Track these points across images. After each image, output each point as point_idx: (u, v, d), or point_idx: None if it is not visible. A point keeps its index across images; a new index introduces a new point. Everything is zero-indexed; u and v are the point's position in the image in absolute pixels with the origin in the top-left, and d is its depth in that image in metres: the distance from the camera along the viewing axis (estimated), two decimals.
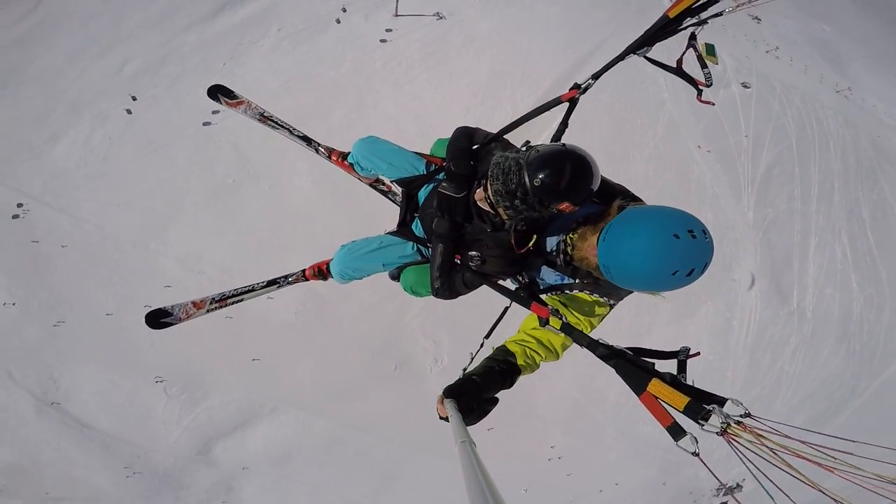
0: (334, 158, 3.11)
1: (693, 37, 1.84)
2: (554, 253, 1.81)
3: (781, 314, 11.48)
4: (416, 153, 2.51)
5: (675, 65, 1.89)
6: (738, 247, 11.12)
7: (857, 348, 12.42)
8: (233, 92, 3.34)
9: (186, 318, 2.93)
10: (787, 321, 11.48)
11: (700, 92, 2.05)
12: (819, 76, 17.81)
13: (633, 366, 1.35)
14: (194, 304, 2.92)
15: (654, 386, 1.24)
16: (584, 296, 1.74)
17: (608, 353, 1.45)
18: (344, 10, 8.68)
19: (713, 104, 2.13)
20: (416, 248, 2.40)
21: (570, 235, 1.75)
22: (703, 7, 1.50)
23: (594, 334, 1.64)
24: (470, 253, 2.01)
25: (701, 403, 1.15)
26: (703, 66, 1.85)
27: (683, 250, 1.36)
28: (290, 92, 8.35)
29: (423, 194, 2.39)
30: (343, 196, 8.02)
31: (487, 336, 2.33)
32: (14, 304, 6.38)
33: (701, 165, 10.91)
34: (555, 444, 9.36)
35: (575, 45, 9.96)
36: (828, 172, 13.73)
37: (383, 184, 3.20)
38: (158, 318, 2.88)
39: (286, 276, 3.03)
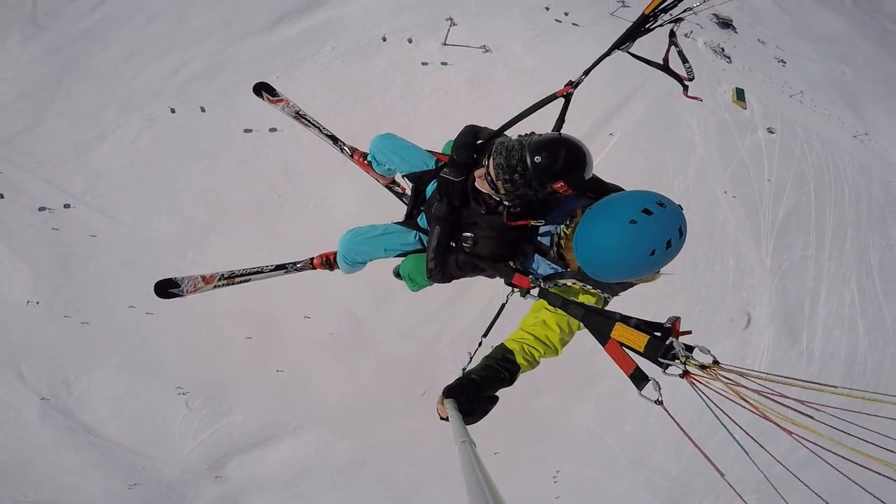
0: (356, 158, 3.34)
1: (672, 34, 1.94)
2: (547, 244, 1.90)
3: (791, 354, 11.91)
4: (429, 151, 2.66)
5: (661, 62, 1.98)
6: (754, 291, 11.44)
7: (861, 385, 12.99)
8: (275, 90, 3.62)
9: (193, 292, 2.99)
10: (796, 360, 11.90)
11: (686, 87, 2.14)
12: (839, 121, 18.21)
13: (600, 315, 1.35)
14: (203, 278, 2.98)
15: (618, 330, 1.20)
16: (578, 287, 1.78)
17: (579, 311, 1.44)
18: (384, 39, 8.81)
19: (700, 100, 2.36)
20: (418, 238, 2.50)
21: (563, 229, 1.82)
22: (673, 4, 1.60)
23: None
24: (464, 234, 2.10)
25: (661, 340, 1.10)
26: (685, 61, 1.94)
27: (647, 231, 1.37)
28: (339, 112, 8.46)
29: (430, 189, 2.49)
30: (386, 214, 8.22)
31: (485, 335, 2.28)
32: (38, 303, 6.26)
33: (726, 211, 11.19)
34: (562, 469, 9.54)
35: (616, 86, 10.16)
36: (841, 219, 14.15)
37: (399, 186, 3.33)
38: (167, 288, 2.95)
39: (294, 263, 3.17)
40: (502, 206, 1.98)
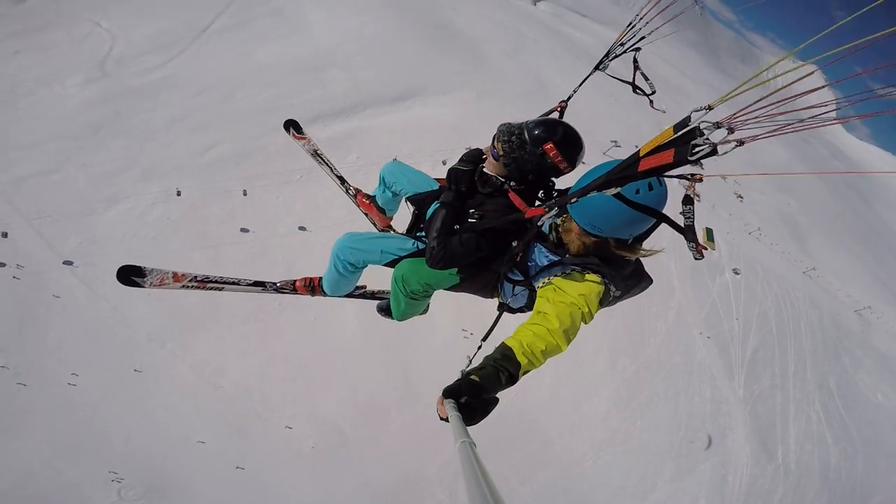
0: (360, 198, 3.36)
1: (635, 59, 2.35)
2: (547, 231, 1.95)
3: (769, 468, 12.63)
4: (435, 178, 2.73)
5: (630, 84, 2.32)
6: (730, 418, 12.08)
7: (838, 491, 13.90)
8: (302, 128, 3.78)
9: (158, 285, 2.80)
10: (774, 474, 12.88)
11: (651, 101, 2.49)
12: (791, 257, 20.64)
13: (621, 165, 1.33)
14: (174, 275, 2.82)
15: (643, 150, 1.19)
16: (577, 274, 1.79)
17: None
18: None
19: (664, 111, 2.60)
20: (415, 245, 2.43)
21: (560, 220, 1.88)
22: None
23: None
24: (470, 212, 2.13)
25: (685, 138, 1.07)
26: (646, 78, 2.26)
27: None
28: (353, 222, 9.04)
29: (430, 211, 2.51)
30: (385, 346, 8.03)
31: (485, 339, 2.25)
32: None
33: (702, 350, 12.27)
34: None
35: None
36: (801, 351, 15.57)
37: (394, 230, 3.42)
38: (130, 275, 2.73)
39: (275, 283, 3.01)
40: (507, 185, 2.11)
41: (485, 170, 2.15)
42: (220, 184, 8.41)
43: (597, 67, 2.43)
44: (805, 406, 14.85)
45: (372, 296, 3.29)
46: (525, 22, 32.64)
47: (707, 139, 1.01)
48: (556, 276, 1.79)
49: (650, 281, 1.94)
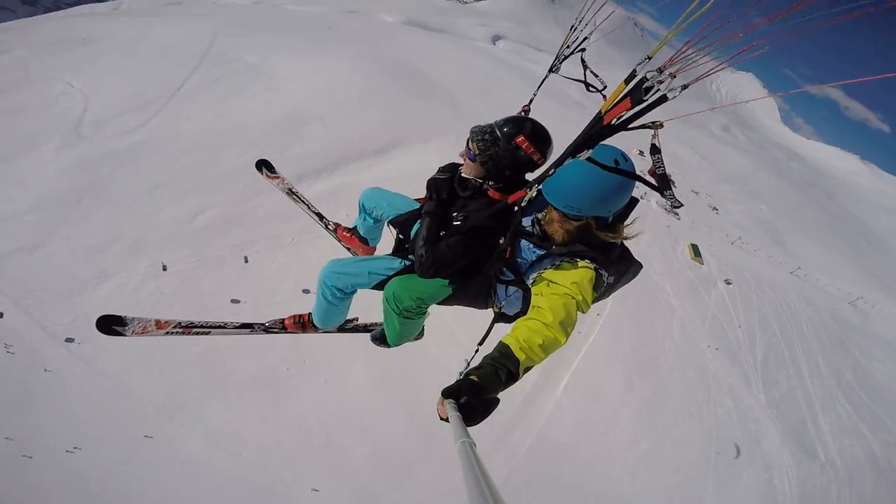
0: (340, 232, 3.30)
1: (582, 59, 2.41)
2: (530, 228, 1.98)
3: (815, 467, 12.55)
4: (416, 199, 2.71)
5: (582, 82, 2.37)
6: (759, 424, 11.92)
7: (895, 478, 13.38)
8: (274, 167, 3.76)
9: (141, 333, 2.72)
10: (821, 472, 12.41)
11: (605, 97, 2.58)
12: (775, 260, 21.33)
13: (589, 129, 1.47)
14: (157, 322, 2.73)
15: (604, 107, 1.35)
16: (567, 264, 1.79)
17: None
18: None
19: (601, 92, 2.37)
20: (402, 263, 2.39)
21: (541, 214, 1.92)
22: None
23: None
24: (454, 216, 2.14)
25: (637, 87, 1.25)
26: (595, 75, 2.34)
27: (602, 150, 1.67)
28: None
29: (414, 231, 2.50)
30: (400, 394, 7.84)
31: (481, 343, 2.15)
32: None
33: (714, 362, 12.40)
34: None
35: None
36: (810, 351, 15.66)
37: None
38: (110, 324, 2.62)
39: (263, 323, 2.93)
40: (485, 185, 2.15)
41: (463, 174, 2.22)
42: (211, 252, 8.23)
43: (551, 70, 2.61)
44: (830, 402, 14.79)
45: (364, 328, 3.22)
46: (489, 62, 34.71)
47: (656, 81, 1.18)
48: (546, 269, 1.82)
49: (640, 266, 1.95)
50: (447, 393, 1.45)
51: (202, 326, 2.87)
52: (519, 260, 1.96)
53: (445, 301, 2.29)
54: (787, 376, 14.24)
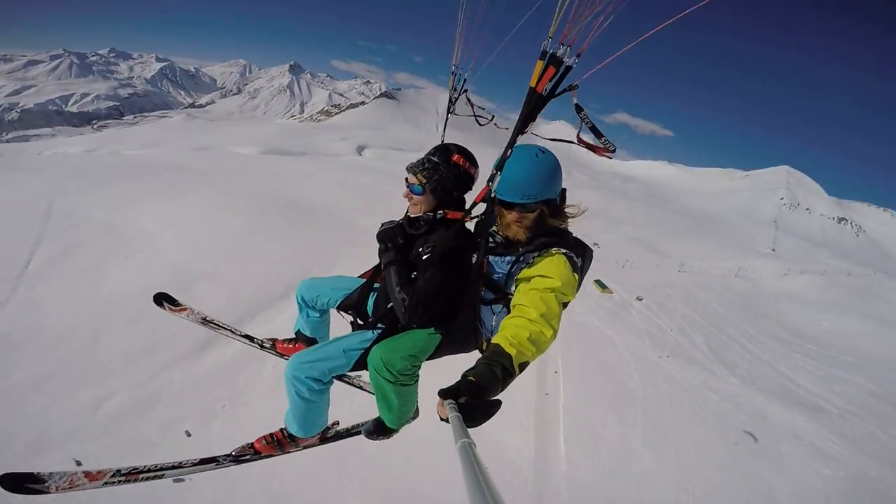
0: (280, 346, 2.96)
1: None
2: (493, 242, 2.02)
3: (835, 418, 11.77)
4: (359, 276, 2.60)
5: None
6: (752, 403, 12.39)
7: None
8: (176, 300, 3.39)
9: (67, 489, 2.24)
10: (845, 420, 11.84)
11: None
12: (662, 265, 24.69)
13: (527, 105, 1.70)
14: (87, 474, 2.22)
15: (532, 82, 1.61)
16: (537, 258, 1.85)
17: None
18: None
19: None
20: (375, 332, 2.21)
21: (495, 227, 2.02)
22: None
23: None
24: (418, 251, 2.07)
25: (553, 58, 1.54)
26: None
27: (524, 150, 1.94)
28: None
29: (371, 305, 2.37)
30: None
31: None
32: None
33: (674, 368, 13.23)
34: None
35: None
36: (737, 326, 17.45)
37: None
38: (24, 482, 2.11)
39: (229, 454, 2.48)
40: (438, 215, 2.16)
41: (412, 215, 2.23)
42: (131, 438, 6.83)
43: (449, 113, 2.80)
44: (791, 361, 15.66)
45: (350, 431, 2.83)
46: (361, 173, 35.09)
47: (564, 49, 1.52)
48: (521, 270, 1.88)
49: (591, 249, 2.08)
50: (446, 394, 1.44)
51: (151, 470, 2.42)
52: (496, 276, 2.01)
53: (437, 351, 2.18)
54: (739, 354, 15.00)
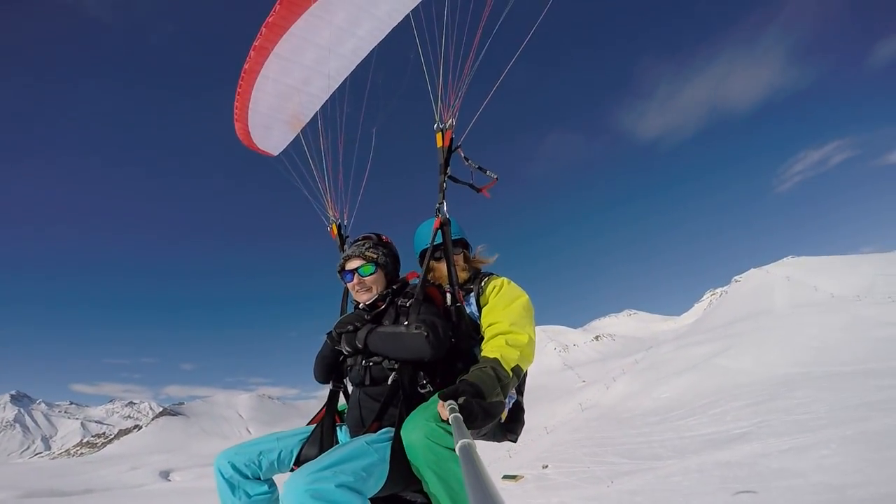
0: None
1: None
2: (450, 290, 2.23)
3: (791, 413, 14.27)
4: (303, 427, 2.14)
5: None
6: (701, 443, 13.89)
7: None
8: None
9: None
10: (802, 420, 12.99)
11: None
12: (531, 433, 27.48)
13: (442, 161, 2.42)
14: None
15: (438, 142, 2.42)
16: (484, 287, 2.25)
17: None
18: None
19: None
20: (382, 434, 1.74)
21: (451, 284, 2.26)
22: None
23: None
24: (400, 306, 2.13)
25: (438, 130, 2.42)
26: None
27: (428, 224, 2.48)
28: None
29: (342, 437, 2.02)
30: None
31: None
32: None
33: (620, 480, 13.86)
34: None
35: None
36: (621, 433, 20.50)
37: None
38: None
39: None
40: (395, 287, 2.22)
41: (365, 302, 2.15)
42: None
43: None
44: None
45: None
46: (189, 499, 27.43)
47: (444, 126, 2.34)
48: (481, 302, 2.19)
49: None
50: (446, 395, 1.53)
51: None
52: (474, 315, 2.23)
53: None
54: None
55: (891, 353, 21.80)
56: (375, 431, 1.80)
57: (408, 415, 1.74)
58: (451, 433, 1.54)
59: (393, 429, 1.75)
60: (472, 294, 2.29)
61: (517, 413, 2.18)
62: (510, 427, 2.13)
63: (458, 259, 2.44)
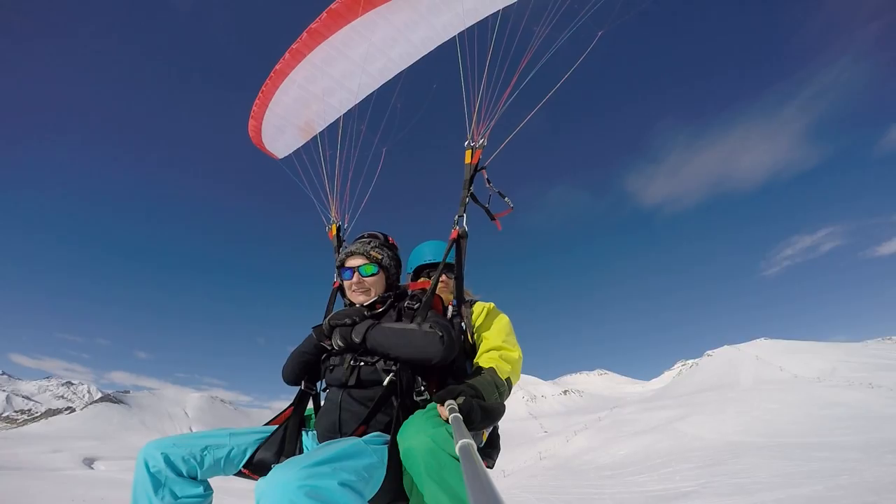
0: None
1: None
2: (455, 308, 2.31)
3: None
4: (265, 424, 1.96)
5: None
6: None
7: None
8: None
9: None
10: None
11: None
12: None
13: (467, 183, 2.48)
14: None
15: (466, 159, 2.54)
16: (475, 308, 2.34)
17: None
18: None
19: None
20: (383, 438, 1.58)
21: (456, 298, 2.32)
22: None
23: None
24: (405, 309, 2.05)
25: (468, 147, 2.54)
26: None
27: (426, 244, 2.72)
28: None
29: (308, 444, 1.87)
30: None
31: None
32: None
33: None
34: None
35: None
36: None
37: None
38: None
39: None
40: (396, 292, 2.17)
41: (362, 304, 2.02)
42: None
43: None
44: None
45: None
46: (109, 488, 17.53)
47: (476, 145, 2.47)
48: (472, 322, 2.27)
49: None
50: (445, 395, 1.53)
51: None
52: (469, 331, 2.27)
53: None
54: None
55: (832, 429, 23.63)
56: (361, 437, 1.58)
57: (404, 420, 1.58)
58: (437, 443, 1.38)
59: (384, 434, 1.61)
60: (465, 315, 2.35)
61: (494, 440, 2.18)
62: (488, 452, 2.11)
63: (449, 282, 2.55)
